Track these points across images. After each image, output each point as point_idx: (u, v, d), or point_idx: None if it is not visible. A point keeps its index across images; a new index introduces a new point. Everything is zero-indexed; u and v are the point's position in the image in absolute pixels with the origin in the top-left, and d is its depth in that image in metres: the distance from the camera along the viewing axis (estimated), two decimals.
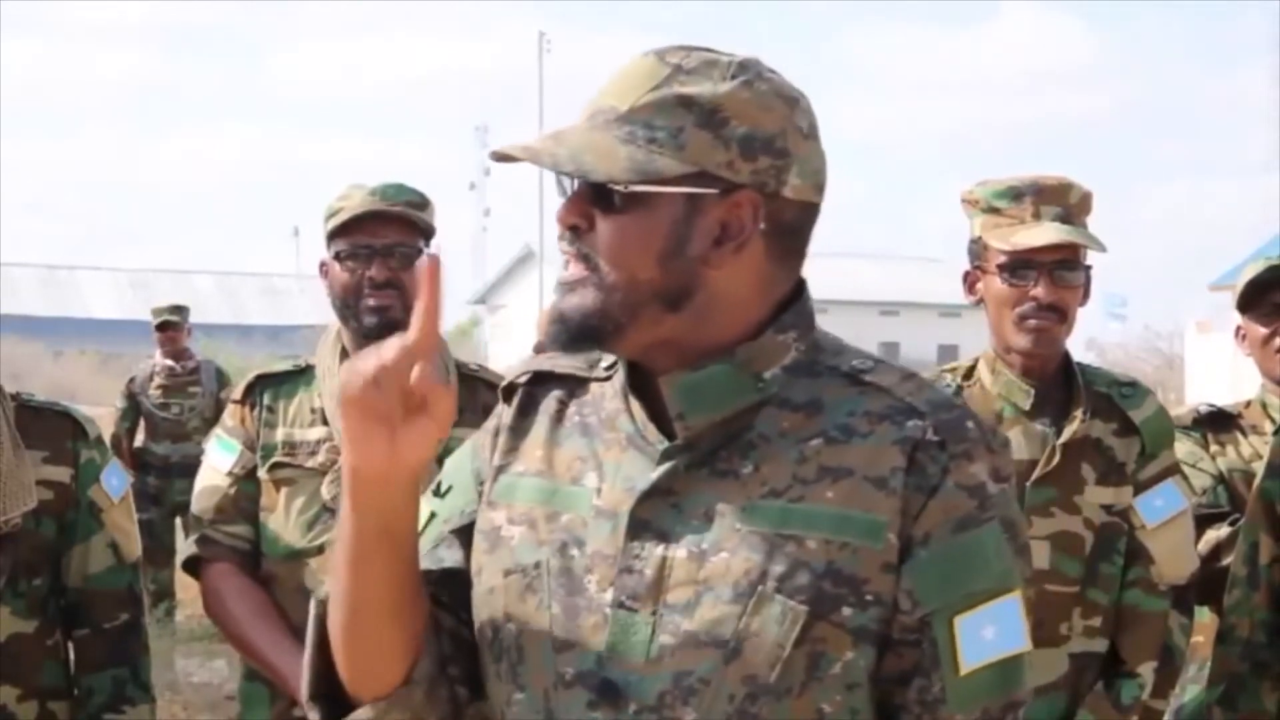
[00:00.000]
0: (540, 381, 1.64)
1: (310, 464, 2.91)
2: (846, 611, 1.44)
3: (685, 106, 1.47)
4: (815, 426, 1.49)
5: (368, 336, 2.94)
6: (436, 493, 1.67)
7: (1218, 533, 3.23)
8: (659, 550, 1.48)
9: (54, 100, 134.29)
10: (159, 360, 9.19)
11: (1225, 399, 3.65)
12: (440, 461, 2.89)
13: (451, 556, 1.61)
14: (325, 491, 2.88)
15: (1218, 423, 3.48)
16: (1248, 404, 3.52)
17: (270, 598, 2.90)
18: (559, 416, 1.60)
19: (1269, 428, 3.35)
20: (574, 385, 1.62)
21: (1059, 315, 2.89)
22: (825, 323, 1.60)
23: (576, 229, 1.50)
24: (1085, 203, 2.94)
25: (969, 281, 3.01)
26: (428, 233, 3.00)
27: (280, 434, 2.95)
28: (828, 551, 1.44)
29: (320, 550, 2.87)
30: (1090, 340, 26.71)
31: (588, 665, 1.48)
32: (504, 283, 53.00)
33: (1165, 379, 23.07)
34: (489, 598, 1.56)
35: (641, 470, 1.51)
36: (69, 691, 2.75)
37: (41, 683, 2.69)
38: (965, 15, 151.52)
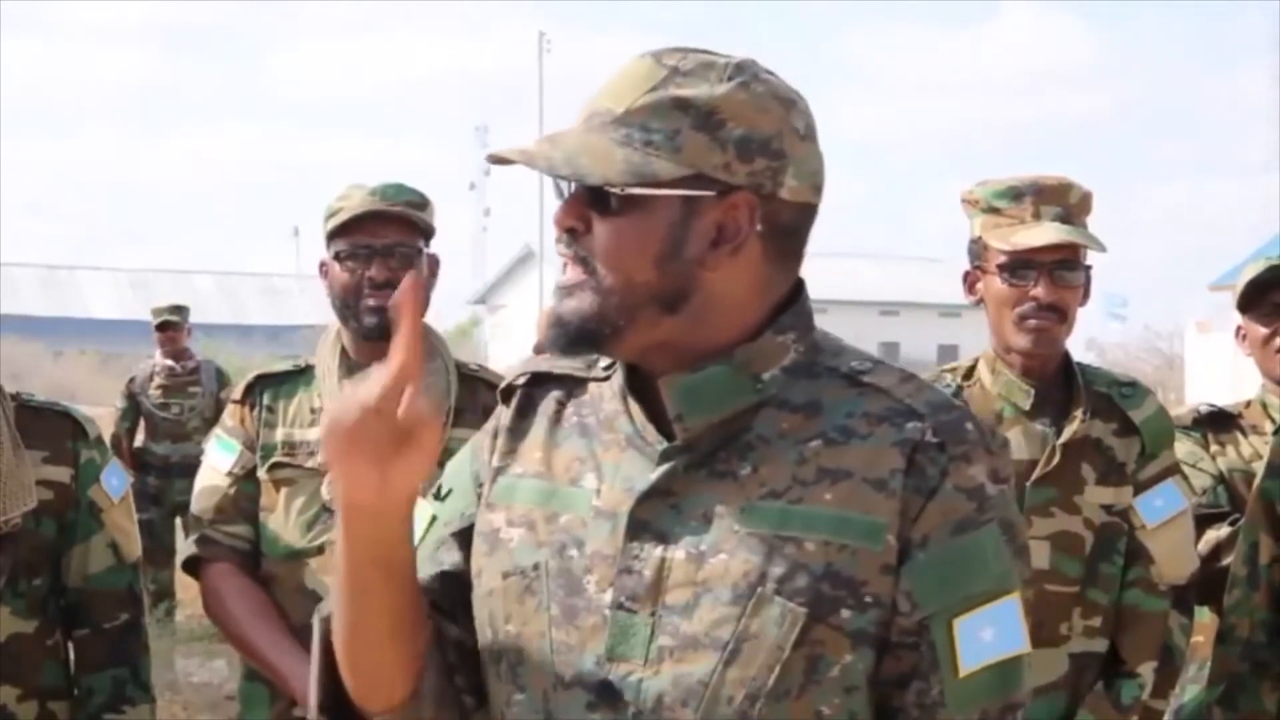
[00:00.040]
0: (538, 383, 1.64)
1: (310, 464, 2.91)
2: (845, 614, 1.44)
3: (681, 109, 1.47)
4: (814, 428, 1.49)
5: (367, 337, 2.94)
6: (437, 496, 1.68)
7: (1218, 533, 3.23)
8: (658, 551, 1.48)
9: (54, 100, 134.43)
10: (159, 360, 9.19)
11: (1225, 399, 3.65)
12: (440, 462, 2.90)
13: (451, 559, 1.62)
14: (325, 491, 2.88)
15: (1218, 423, 3.48)
16: (1248, 404, 3.52)
17: (270, 598, 2.90)
18: (557, 417, 1.60)
19: (1269, 428, 3.35)
20: (572, 386, 1.62)
21: (1059, 315, 2.89)
22: (825, 323, 1.60)
23: (574, 232, 1.50)
24: (1085, 203, 2.94)
25: (969, 281, 3.01)
26: (428, 233, 2.99)
27: (280, 434, 2.95)
28: (826, 553, 1.44)
29: (320, 550, 2.86)
30: (1090, 340, 26.72)
31: (587, 666, 1.48)
32: (504, 283, 53.01)
33: (1165, 379, 23.07)
34: (488, 599, 1.56)
35: (640, 471, 1.51)
36: (69, 691, 2.75)
37: (41, 683, 2.69)
38: (965, 15, 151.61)
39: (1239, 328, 3.53)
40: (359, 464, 1.43)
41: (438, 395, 2.95)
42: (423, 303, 2.96)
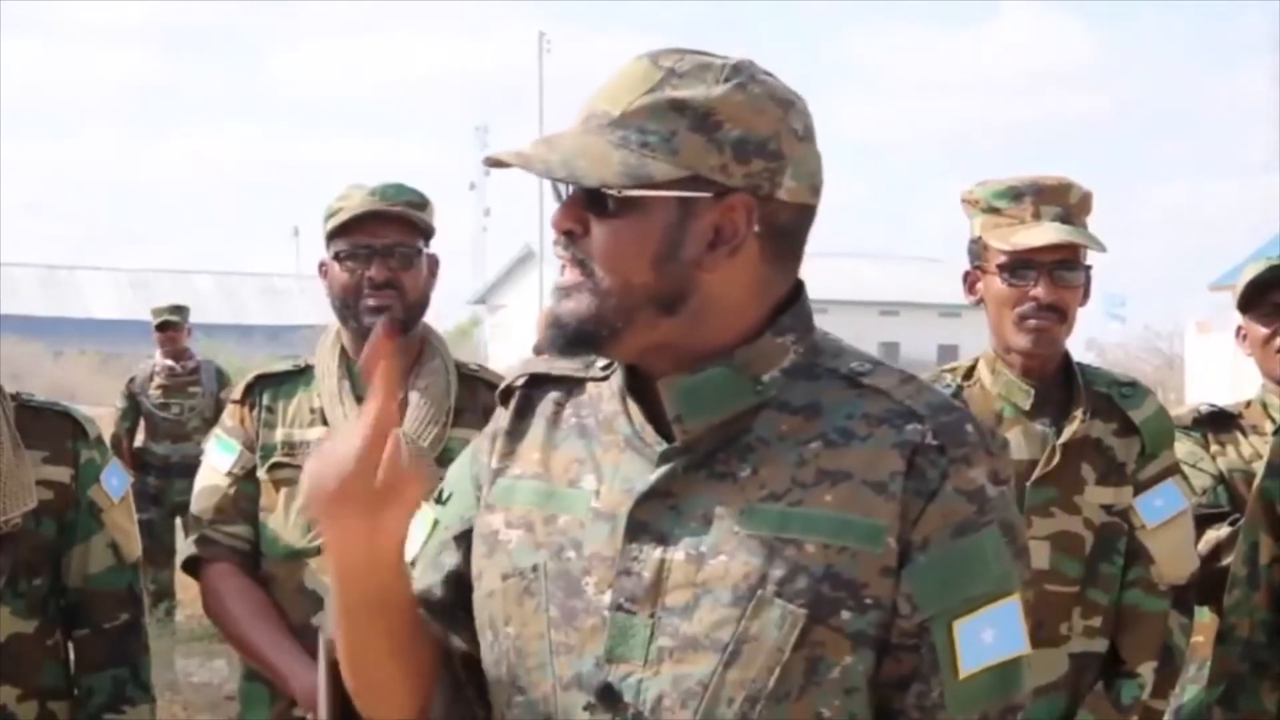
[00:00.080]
0: (537, 384, 1.64)
1: None
2: (845, 615, 1.44)
3: (678, 110, 1.47)
4: (814, 429, 1.49)
5: (367, 337, 2.94)
6: (438, 500, 1.68)
7: (1218, 533, 3.23)
8: (657, 553, 1.48)
9: (54, 100, 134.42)
10: (159, 360, 9.19)
11: (1225, 399, 3.65)
12: (440, 461, 2.91)
13: (454, 563, 1.62)
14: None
15: (1218, 423, 3.48)
16: (1248, 404, 3.52)
17: (270, 598, 2.90)
18: (556, 419, 1.60)
19: (1269, 428, 3.35)
20: (571, 386, 1.62)
21: (1059, 315, 2.89)
22: (825, 323, 1.60)
23: (571, 234, 1.50)
24: (1085, 203, 2.94)
25: (969, 281, 3.01)
26: (427, 233, 2.99)
27: (280, 434, 2.95)
28: (826, 555, 1.44)
29: (319, 550, 2.86)
30: (1090, 340, 26.73)
31: (586, 668, 1.48)
32: (504, 283, 53.00)
33: (1165, 379, 23.08)
34: (488, 601, 1.56)
35: (640, 472, 1.51)
36: (69, 691, 2.75)
37: (41, 683, 2.69)
38: (965, 15, 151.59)
39: (1239, 328, 3.53)
40: (345, 524, 1.46)
41: (437, 395, 2.95)
42: (422, 309, 2.96)
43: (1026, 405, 2.93)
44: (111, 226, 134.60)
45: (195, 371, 9.17)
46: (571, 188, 1.50)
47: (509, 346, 34.32)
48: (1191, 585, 3.01)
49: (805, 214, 1.53)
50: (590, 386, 1.61)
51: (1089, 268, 2.94)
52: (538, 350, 1.62)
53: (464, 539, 1.62)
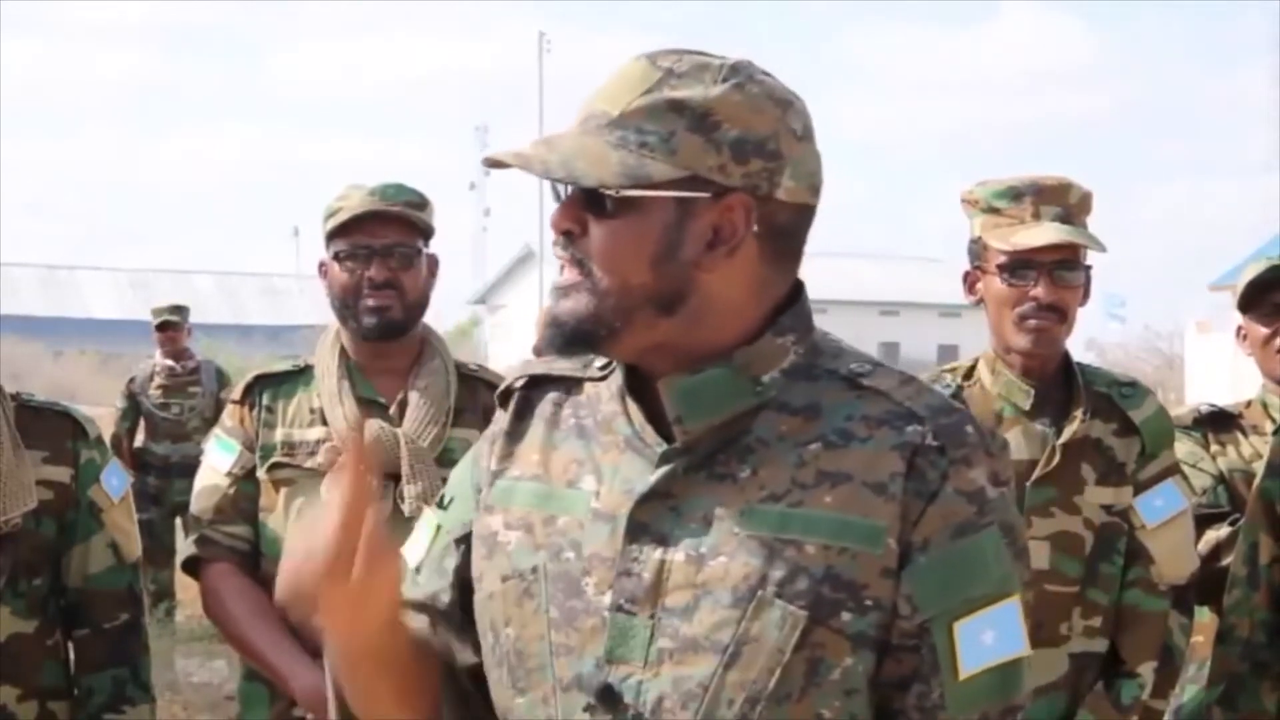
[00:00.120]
0: (536, 385, 1.64)
1: (309, 464, 2.91)
2: (846, 617, 1.44)
3: (676, 110, 1.47)
4: (814, 431, 1.49)
5: (367, 337, 2.94)
6: (440, 505, 1.68)
7: (1218, 533, 3.23)
8: (657, 553, 1.48)
9: (54, 100, 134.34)
10: (159, 360, 9.19)
11: (1225, 399, 3.65)
12: (440, 461, 2.91)
13: (457, 566, 1.63)
14: (324, 491, 2.87)
15: (1218, 423, 3.48)
16: (1248, 404, 3.52)
17: (269, 598, 2.89)
18: (555, 419, 1.60)
19: (1269, 428, 3.35)
20: (569, 386, 1.62)
21: (1059, 315, 2.89)
22: (825, 323, 1.60)
23: (570, 234, 1.50)
24: (1085, 203, 2.94)
25: (969, 281, 3.01)
26: (427, 233, 2.99)
27: (279, 434, 2.95)
28: (827, 556, 1.44)
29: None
30: (1090, 340, 26.75)
31: (586, 669, 1.48)
32: (504, 283, 53.00)
33: (1165, 379, 23.08)
34: (488, 603, 1.57)
35: (640, 473, 1.51)
36: (69, 691, 2.75)
37: (41, 683, 2.69)
38: (965, 15, 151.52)
39: (1240, 327, 3.53)
40: (329, 611, 1.49)
41: (437, 395, 2.95)
42: (421, 309, 2.96)
43: (1026, 405, 2.93)
44: (111, 226, 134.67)
45: (195, 371, 9.17)
46: (570, 188, 1.50)
47: (509, 346, 34.32)
48: (1191, 585, 3.01)
49: (805, 214, 1.53)
50: (589, 387, 1.61)
51: (1089, 268, 2.94)
52: (537, 351, 1.62)
53: (465, 542, 1.62)
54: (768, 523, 1.46)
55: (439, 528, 1.66)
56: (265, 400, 2.98)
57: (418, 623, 1.64)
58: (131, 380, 9.24)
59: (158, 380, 9.12)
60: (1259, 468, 2.94)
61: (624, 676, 1.47)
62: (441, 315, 37.61)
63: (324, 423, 2.92)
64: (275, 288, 55.51)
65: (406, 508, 2.84)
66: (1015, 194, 2.91)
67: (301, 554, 1.50)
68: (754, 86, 1.50)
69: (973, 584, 1.46)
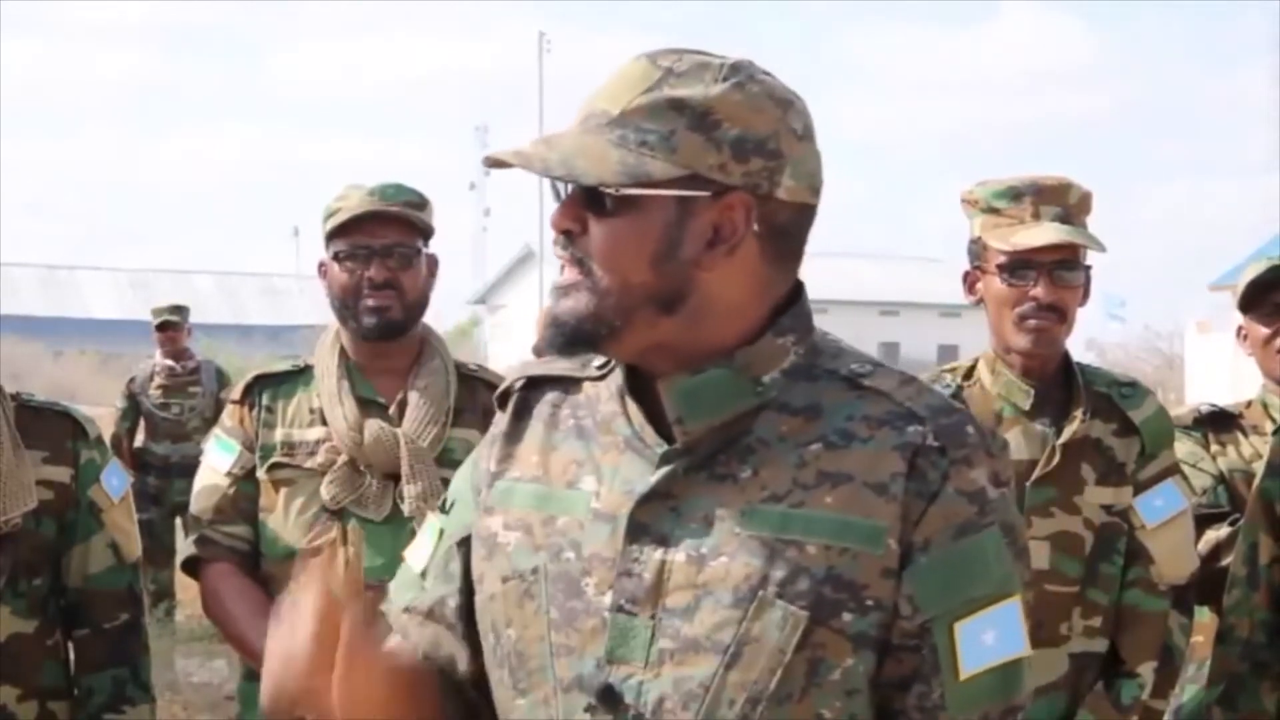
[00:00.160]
0: (534, 386, 1.64)
1: (309, 464, 2.91)
2: (847, 617, 1.44)
3: (677, 109, 1.47)
4: (814, 431, 1.49)
5: (366, 337, 2.94)
6: (443, 508, 1.69)
7: (1218, 533, 3.23)
8: (658, 554, 1.48)
9: (54, 100, 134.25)
10: (159, 360, 9.19)
11: (1225, 399, 3.65)
12: (440, 461, 2.91)
13: (461, 570, 1.63)
14: (324, 492, 2.88)
15: (1219, 423, 3.48)
16: (1249, 404, 3.52)
17: (269, 598, 2.90)
18: (554, 420, 1.60)
19: (1270, 428, 3.35)
20: (567, 386, 1.62)
21: (1059, 315, 2.89)
22: (825, 323, 1.60)
23: (570, 233, 1.50)
24: (1085, 203, 2.94)
25: (969, 281, 3.01)
26: (426, 233, 2.99)
27: (279, 434, 2.95)
28: (828, 557, 1.44)
29: (319, 551, 2.86)
30: (1090, 340, 26.74)
31: (587, 669, 1.48)
32: (504, 283, 52.99)
33: (1165, 379, 23.09)
34: (489, 604, 1.57)
35: (640, 473, 1.51)
36: (69, 691, 2.75)
37: (41, 683, 2.69)
38: (965, 15, 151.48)
39: (1240, 327, 3.53)
40: (319, 715, 1.48)
41: (437, 395, 2.95)
42: (421, 309, 2.98)
43: (1026, 405, 2.93)
44: (111, 226, 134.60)
45: (195, 371, 9.17)
46: (570, 187, 1.50)
47: (509, 346, 34.32)
48: (1191, 585, 3.01)
49: (805, 214, 1.53)
50: (587, 386, 1.61)
51: (1089, 268, 2.94)
52: (537, 351, 1.62)
53: (466, 545, 1.63)
54: (769, 523, 1.46)
55: (442, 532, 1.66)
56: (265, 400, 2.98)
57: (424, 635, 1.64)
58: (131, 380, 9.24)
59: (158, 380, 9.12)
60: (1259, 468, 2.94)
61: (625, 677, 1.47)
62: (441, 315, 37.64)
63: (324, 423, 2.93)
64: (275, 288, 55.50)
65: (406, 508, 2.84)
66: (1015, 194, 2.91)
67: (280, 659, 1.49)
68: (754, 86, 1.50)
69: (974, 584, 1.46)
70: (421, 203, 2.98)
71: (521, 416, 1.63)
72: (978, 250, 2.96)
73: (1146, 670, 2.92)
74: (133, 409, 9.15)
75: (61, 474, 2.69)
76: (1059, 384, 2.96)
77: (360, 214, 2.91)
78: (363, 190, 2.95)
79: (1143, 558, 2.91)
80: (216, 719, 7.09)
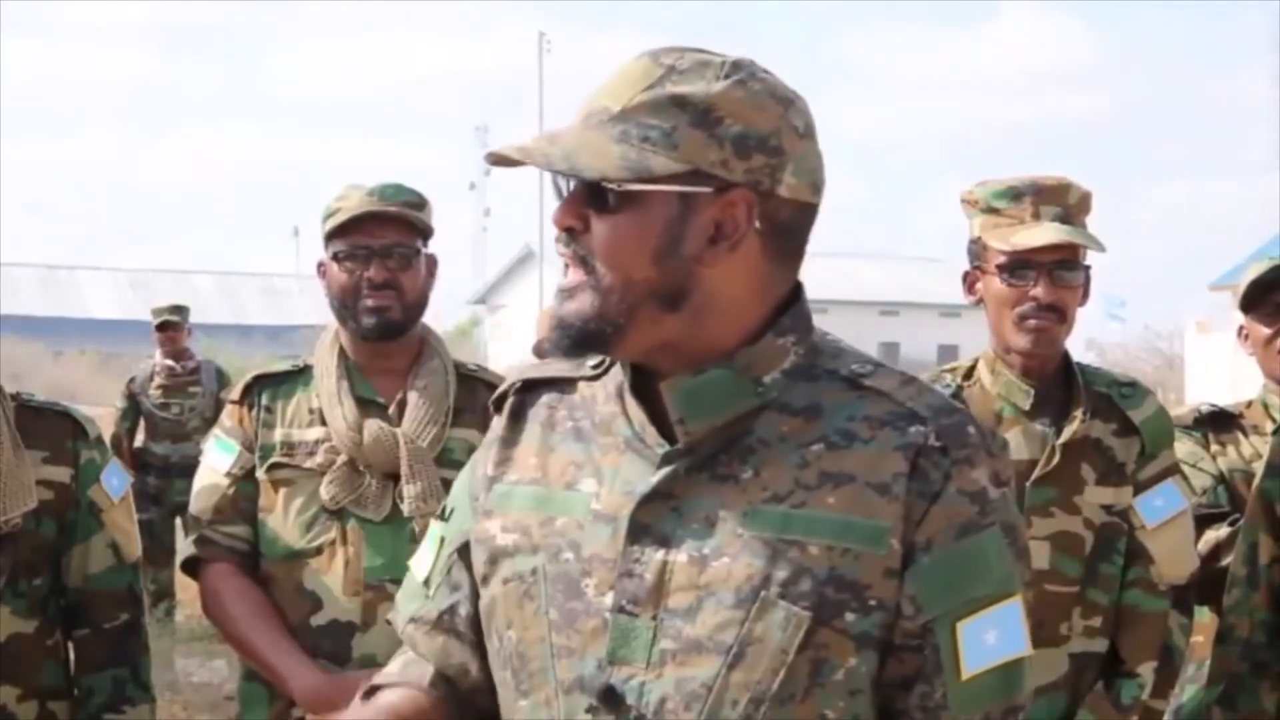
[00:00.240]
0: (529, 388, 1.64)
1: (309, 464, 2.91)
2: (849, 617, 1.44)
3: (679, 106, 1.47)
4: (815, 431, 1.49)
5: (365, 337, 2.94)
6: (442, 516, 1.69)
7: (1218, 533, 3.23)
8: (659, 555, 1.48)
9: (54, 100, 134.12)
10: (159, 360, 9.19)
11: (1225, 399, 3.65)
12: (439, 462, 2.92)
13: (463, 577, 1.64)
14: (324, 492, 2.88)
15: (1219, 422, 3.48)
16: (1249, 404, 3.52)
17: (269, 598, 2.90)
18: (551, 422, 1.61)
19: (1270, 428, 3.35)
20: (563, 387, 1.62)
21: (1058, 315, 2.89)
22: (825, 323, 1.60)
23: (572, 231, 1.50)
24: (1084, 203, 2.94)
25: (969, 281, 3.01)
26: (426, 233, 2.99)
27: (279, 434, 2.95)
28: (830, 557, 1.45)
29: (319, 551, 2.86)
30: (1090, 340, 26.73)
31: (588, 670, 1.49)
32: (504, 283, 53.00)
33: (1165, 379, 23.08)
34: (491, 607, 1.57)
35: (640, 474, 1.51)
36: (69, 691, 2.75)
37: (41, 683, 2.69)
38: (965, 15, 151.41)
39: (1241, 327, 3.53)
40: None
41: (436, 395, 2.95)
42: (421, 309, 3.00)
43: (1026, 405, 2.93)
44: (111, 226, 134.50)
45: (195, 371, 9.17)
46: (572, 184, 1.50)
47: (509, 346, 34.31)
48: (1191, 585, 3.01)
49: (806, 212, 1.53)
50: (583, 387, 1.61)
51: (1088, 268, 2.94)
52: (538, 350, 1.62)
53: (467, 551, 1.63)
54: (771, 523, 1.46)
55: (443, 540, 1.67)
56: (264, 400, 2.98)
57: (433, 645, 1.65)
58: (131, 380, 9.24)
59: (158, 380, 9.12)
60: (1259, 468, 2.93)
61: (626, 678, 1.47)
62: (441, 315, 37.64)
63: (323, 423, 2.92)
64: (275, 288, 55.48)
65: (406, 508, 2.84)
66: (1015, 194, 2.91)
67: None
68: (756, 83, 1.50)
69: (975, 584, 1.47)
70: (421, 203, 2.98)
71: (518, 420, 1.63)
72: (978, 250, 2.96)
73: (1146, 670, 2.92)
74: (133, 409, 9.15)
75: (61, 474, 2.69)
76: (1059, 384, 2.96)
77: (360, 214, 2.91)
78: (362, 190, 2.95)
79: (1143, 558, 2.91)
80: (216, 719, 7.09)
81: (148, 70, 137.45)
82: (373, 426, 2.88)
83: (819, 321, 1.58)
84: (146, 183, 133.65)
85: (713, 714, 1.44)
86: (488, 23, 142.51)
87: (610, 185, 1.47)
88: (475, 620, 1.62)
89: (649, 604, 1.47)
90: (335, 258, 2.94)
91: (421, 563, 1.69)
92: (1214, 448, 3.42)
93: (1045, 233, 2.85)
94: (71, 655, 2.78)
